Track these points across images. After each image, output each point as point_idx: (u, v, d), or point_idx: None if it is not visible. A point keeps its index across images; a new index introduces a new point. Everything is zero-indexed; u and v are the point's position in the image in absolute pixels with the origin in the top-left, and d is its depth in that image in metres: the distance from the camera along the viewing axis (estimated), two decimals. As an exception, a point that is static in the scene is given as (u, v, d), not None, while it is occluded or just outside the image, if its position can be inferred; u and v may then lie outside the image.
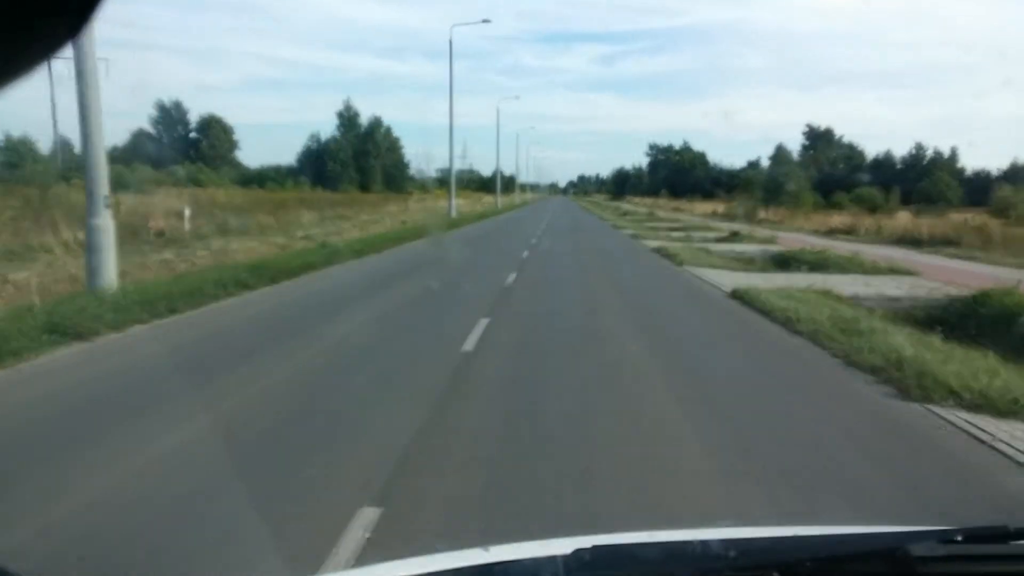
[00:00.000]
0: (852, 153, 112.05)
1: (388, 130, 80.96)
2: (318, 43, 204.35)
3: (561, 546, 1.27)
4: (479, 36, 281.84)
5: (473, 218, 41.66)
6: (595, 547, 1.26)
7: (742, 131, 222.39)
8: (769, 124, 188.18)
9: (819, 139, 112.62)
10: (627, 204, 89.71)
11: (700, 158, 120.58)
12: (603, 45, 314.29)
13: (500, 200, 76.26)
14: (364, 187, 75.92)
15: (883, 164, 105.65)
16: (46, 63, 0.60)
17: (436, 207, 50.42)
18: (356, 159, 78.74)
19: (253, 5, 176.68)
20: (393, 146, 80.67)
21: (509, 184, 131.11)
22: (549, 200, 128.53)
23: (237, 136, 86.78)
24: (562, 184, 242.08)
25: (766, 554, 1.28)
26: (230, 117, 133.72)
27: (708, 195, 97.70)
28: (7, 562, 1.77)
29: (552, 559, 1.23)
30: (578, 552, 1.22)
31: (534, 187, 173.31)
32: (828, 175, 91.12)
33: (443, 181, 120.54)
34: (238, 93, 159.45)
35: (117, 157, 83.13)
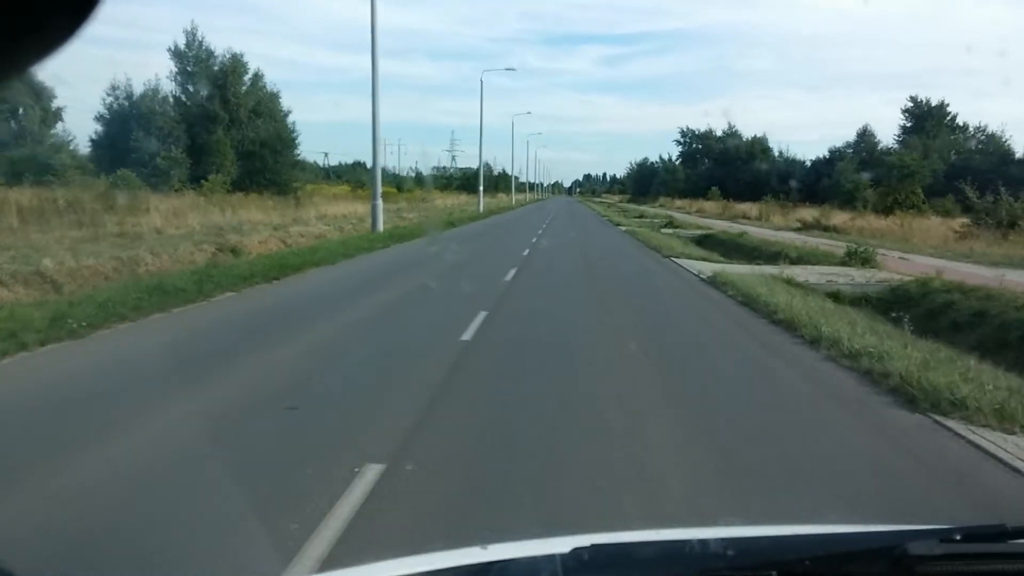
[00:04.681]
0: (981, 136, 77.30)
1: (257, 81, 46.13)
2: (320, 43, 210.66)
3: (560, 545, 1.25)
4: (484, 38, 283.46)
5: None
6: (594, 546, 1.25)
7: (746, 132, 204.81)
8: (773, 125, 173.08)
9: (927, 119, 77.29)
10: (671, 211, 54.57)
11: (760, 144, 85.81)
12: (607, 47, 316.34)
13: (462, 205, 41.83)
14: (198, 178, 41.41)
15: (1047, 151, 70.91)
16: (46, 61, 0.63)
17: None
18: (192, 131, 44.04)
19: (254, 5, 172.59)
20: (266, 110, 45.76)
21: (500, 182, 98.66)
22: (548, 203, 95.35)
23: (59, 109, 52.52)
24: (567, 183, 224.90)
25: (765, 553, 1.27)
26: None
27: (778, 195, 62.86)
28: (8, 561, 1.43)
29: (551, 558, 1.22)
30: (577, 551, 1.21)
31: (534, 186, 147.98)
32: (959, 168, 57.63)
33: (442, 181, 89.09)
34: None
35: None
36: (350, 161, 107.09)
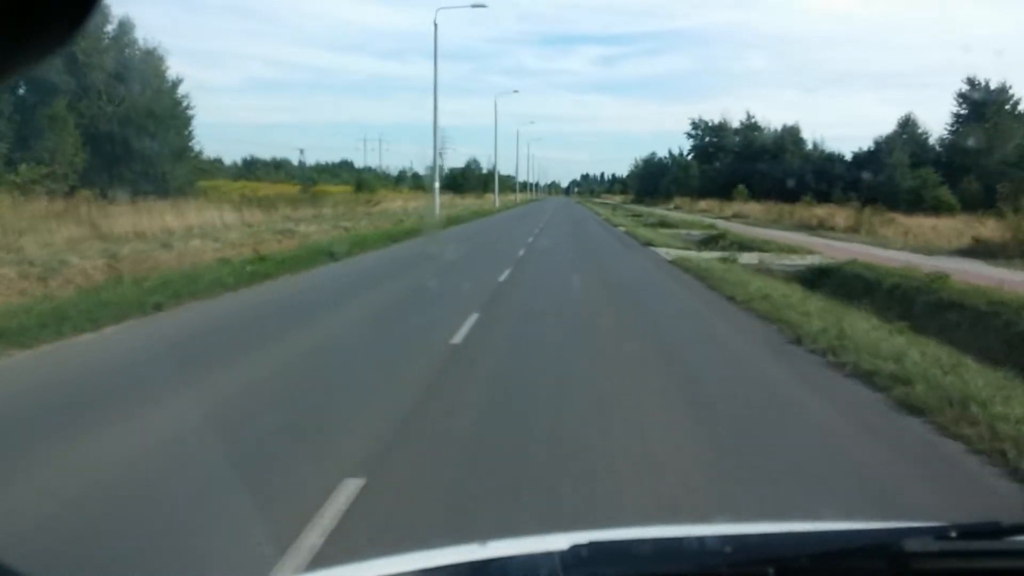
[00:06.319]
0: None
1: (124, 35, 33.32)
2: (318, 45, 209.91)
3: (558, 542, 1.26)
4: (481, 39, 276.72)
5: None
6: (592, 543, 1.25)
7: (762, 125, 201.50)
8: (771, 124, 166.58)
9: (986, 105, 63.97)
10: (696, 214, 41.60)
11: (792, 136, 72.78)
12: (603, 47, 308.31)
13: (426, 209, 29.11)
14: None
15: None
16: (45, 60, 0.65)
17: None
18: (21, 103, 30.96)
19: (253, 8, 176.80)
20: (137, 76, 32.76)
21: (490, 181, 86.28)
22: (542, 205, 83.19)
23: None
24: (564, 183, 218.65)
25: (762, 550, 1.27)
26: (231, 118, 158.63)
27: (823, 197, 49.88)
28: (8, 559, 1.38)
29: (549, 555, 1.22)
30: (575, 548, 1.22)
31: (528, 185, 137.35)
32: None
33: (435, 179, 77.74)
34: (238, 94, 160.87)
35: None
36: (337, 160, 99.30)
